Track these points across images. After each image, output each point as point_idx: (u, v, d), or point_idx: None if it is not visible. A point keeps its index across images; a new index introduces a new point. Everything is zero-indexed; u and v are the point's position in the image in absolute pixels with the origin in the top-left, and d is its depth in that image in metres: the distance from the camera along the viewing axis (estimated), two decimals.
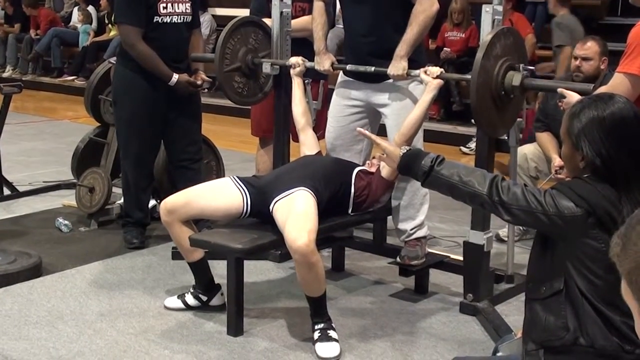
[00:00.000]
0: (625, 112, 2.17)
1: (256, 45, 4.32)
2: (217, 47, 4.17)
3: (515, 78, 3.32)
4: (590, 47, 4.57)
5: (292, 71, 4.11)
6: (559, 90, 3.37)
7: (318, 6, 4.14)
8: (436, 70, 3.62)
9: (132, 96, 4.58)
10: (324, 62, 4.04)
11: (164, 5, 4.45)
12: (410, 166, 2.48)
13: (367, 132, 3.10)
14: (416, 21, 3.74)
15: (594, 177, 2.16)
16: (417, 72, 3.67)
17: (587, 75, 4.51)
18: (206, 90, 5.01)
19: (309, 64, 4.10)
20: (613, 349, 2.10)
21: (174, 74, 4.44)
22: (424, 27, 3.78)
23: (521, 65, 3.36)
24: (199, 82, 4.55)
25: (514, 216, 2.23)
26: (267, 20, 4.65)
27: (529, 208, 2.18)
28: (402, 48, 3.74)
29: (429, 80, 3.61)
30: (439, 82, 3.61)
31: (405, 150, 2.54)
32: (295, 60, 4.11)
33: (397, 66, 3.72)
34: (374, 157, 3.82)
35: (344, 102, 4.09)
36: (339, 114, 4.10)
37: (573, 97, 3.30)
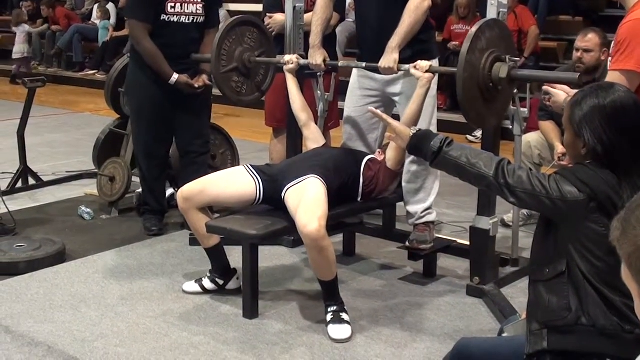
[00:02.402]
0: (625, 100, 2.20)
1: (252, 44, 4.31)
2: (212, 49, 4.16)
3: (502, 70, 3.31)
4: (591, 39, 4.59)
5: (285, 68, 4.14)
6: (544, 88, 3.36)
7: (322, 0, 4.19)
8: (425, 64, 3.62)
9: (140, 89, 4.68)
10: (316, 57, 4.08)
11: (172, 4, 4.48)
12: (419, 147, 2.52)
13: (378, 112, 3.08)
14: (408, 14, 3.80)
15: (596, 163, 2.19)
16: (407, 66, 3.69)
17: (588, 67, 4.55)
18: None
19: (302, 61, 4.14)
20: (613, 328, 2.14)
21: (175, 74, 4.49)
22: (416, 20, 3.81)
23: (507, 57, 3.34)
24: (196, 85, 4.56)
25: (518, 199, 2.27)
26: (280, 15, 4.74)
27: (534, 191, 2.21)
28: (394, 40, 3.78)
29: (419, 75, 3.62)
30: (430, 76, 3.62)
31: (415, 131, 2.59)
32: (289, 57, 4.14)
33: (389, 58, 3.75)
34: (384, 146, 3.91)
35: (359, 93, 4.17)
36: (355, 104, 4.18)
37: (559, 95, 3.33)
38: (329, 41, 4.98)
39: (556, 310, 2.21)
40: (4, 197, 4.91)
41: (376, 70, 3.88)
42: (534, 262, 2.35)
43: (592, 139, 2.18)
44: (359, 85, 4.17)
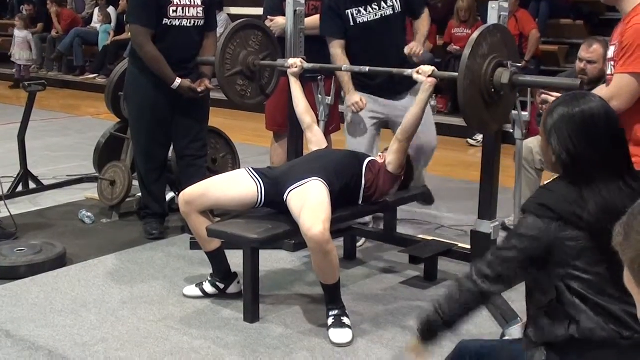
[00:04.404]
0: (595, 110, 2.20)
1: (256, 47, 4.33)
2: (217, 53, 4.18)
3: (504, 76, 3.33)
4: (596, 50, 4.52)
5: (289, 71, 4.18)
6: (543, 97, 3.39)
7: (340, 50, 4.54)
8: (428, 69, 3.66)
9: (139, 93, 4.68)
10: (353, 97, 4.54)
11: (174, 8, 4.48)
12: (429, 331, 2.41)
13: None
14: (424, 27, 4.63)
15: (560, 179, 2.22)
16: (409, 71, 3.73)
17: (591, 78, 4.49)
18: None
19: (306, 65, 4.17)
20: (612, 338, 2.13)
21: (177, 78, 4.49)
22: (428, 31, 4.70)
23: (509, 62, 3.36)
24: (199, 90, 4.56)
25: (506, 278, 2.23)
26: (281, 19, 4.75)
27: (508, 259, 2.20)
28: (420, 41, 4.53)
29: (422, 80, 3.66)
30: (433, 80, 3.65)
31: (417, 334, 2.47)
32: (293, 61, 4.18)
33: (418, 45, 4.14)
34: (385, 150, 3.92)
35: (367, 115, 4.60)
36: (360, 123, 4.59)
37: None
38: (327, 45, 5.00)
39: (552, 331, 2.21)
40: (5, 201, 4.91)
41: (396, 93, 4.25)
42: (527, 288, 2.34)
43: (559, 147, 2.20)
44: (366, 107, 4.54)
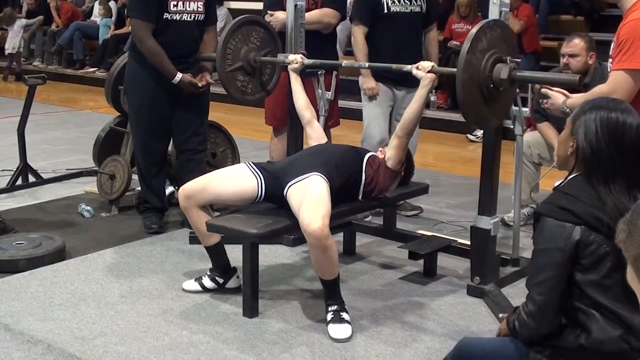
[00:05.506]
0: (630, 120, 2.24)
1: (258, 43, 4.34)
2: (218, 48, 4.19)
3: (503, 71, 3.32)
4: (577, 44, 4.59)
5: (289, 67, 4.18)
6: (543, 90, 3.36)
7: (362, 36, 4.91)
8: (428, 65, 3.66)
9: (139, 87, 4.67)
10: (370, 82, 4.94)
11: (175, 2, 4.47)
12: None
13: None
14: (435, 49, 5.19)
15: (578, 172, 2.23)
16: (409, 67, 3.73)
17: (575, 72, 4.50)
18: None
19: (306, 61, 4.17)
20: (621, 350, 2.14)
21: (178, 72, 4.48)
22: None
23: (508, 58, 3.35)
24: (200, 84, 4.55)
25: (553, 302, 2.21)
26: (281, 13, 4.74)
27: (544, 281, 2.19)
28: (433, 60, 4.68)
29: (422, 76, 3.65)
30: (432, 76, 3.65)
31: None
32: (294, 57, 4.18)
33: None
34: (385, 145, 3.91)
35: (387, 103, 5.04)
36: (384, 111, 5.04)
37: (557, 97, 3.32)
38: (329, 40, 5.01)
39: (561, 338, 2.23)
40: (5, 195, 4.90)
41: (410, 82, 4.22)
42: None
43: (585, 139, 2.22)
44: (385, 97, 4.98)
